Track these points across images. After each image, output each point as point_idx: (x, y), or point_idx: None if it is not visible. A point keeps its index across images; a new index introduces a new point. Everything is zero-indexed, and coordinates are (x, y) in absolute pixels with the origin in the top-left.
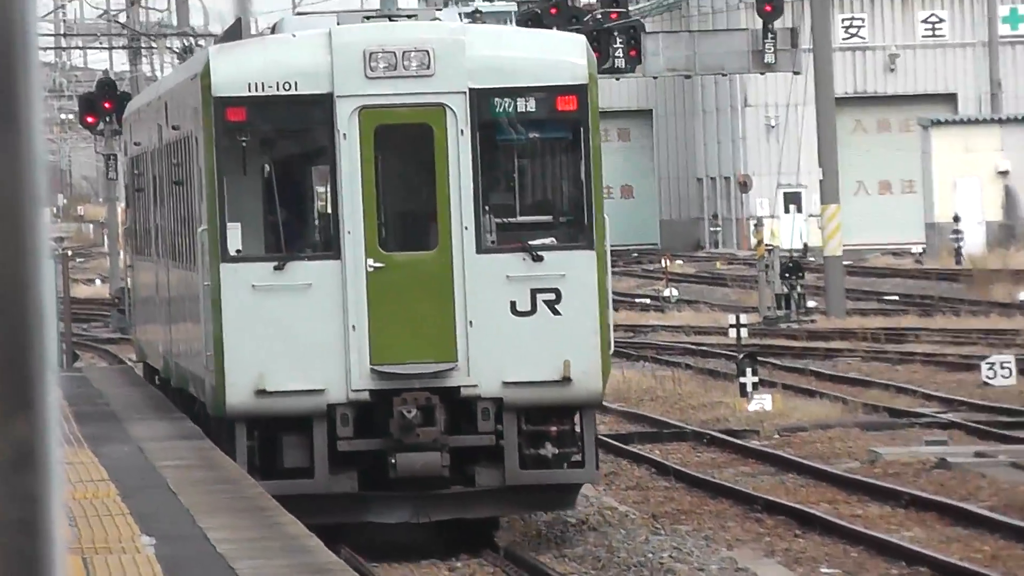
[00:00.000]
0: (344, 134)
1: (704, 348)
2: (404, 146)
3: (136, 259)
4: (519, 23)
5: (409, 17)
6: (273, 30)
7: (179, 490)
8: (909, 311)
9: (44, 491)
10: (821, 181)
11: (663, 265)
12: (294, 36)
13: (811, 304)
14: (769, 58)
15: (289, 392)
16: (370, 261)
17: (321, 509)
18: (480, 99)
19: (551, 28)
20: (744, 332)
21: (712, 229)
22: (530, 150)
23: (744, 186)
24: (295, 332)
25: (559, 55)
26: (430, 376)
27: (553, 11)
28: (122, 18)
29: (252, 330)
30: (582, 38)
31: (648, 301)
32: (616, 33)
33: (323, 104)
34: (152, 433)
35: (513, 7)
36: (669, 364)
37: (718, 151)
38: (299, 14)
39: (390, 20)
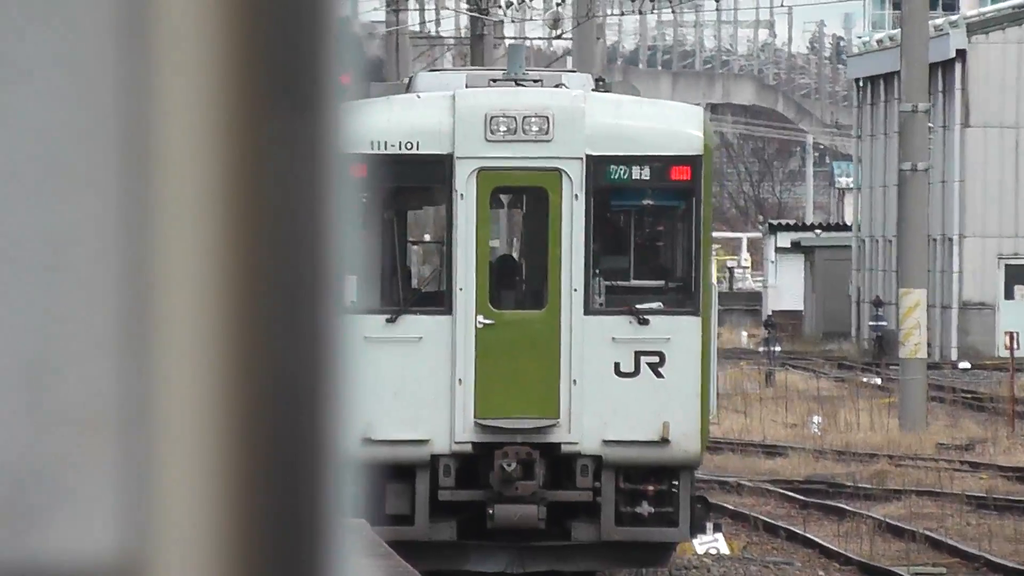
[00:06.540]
0: (461, 194)
1: None
2: (519, 208)
3: None
4: None
5: (535, 82)
6: (408, 85)
7: None
8: None
9: None
10: None
11: None
12: (418, 97)
13: None
14: None
15: (394, 441)
16: (480, 318)
17: (422, 556)
18: (596, 165)
19: None
20: None
21: None
22: (642, 217)
23: None
24: (403, 383)
25: (676, 125)
26: (532, 431)
27: None
28: None
29: (361, 380)
30: (700, 109)
31: None
32: None
33: (443, 164)
34: None
35: None
36: None
37: None
38: (432, 70)
39: (516, 84)
